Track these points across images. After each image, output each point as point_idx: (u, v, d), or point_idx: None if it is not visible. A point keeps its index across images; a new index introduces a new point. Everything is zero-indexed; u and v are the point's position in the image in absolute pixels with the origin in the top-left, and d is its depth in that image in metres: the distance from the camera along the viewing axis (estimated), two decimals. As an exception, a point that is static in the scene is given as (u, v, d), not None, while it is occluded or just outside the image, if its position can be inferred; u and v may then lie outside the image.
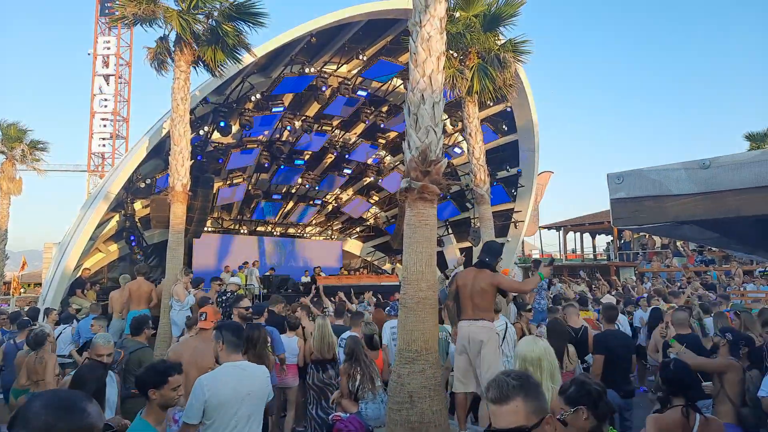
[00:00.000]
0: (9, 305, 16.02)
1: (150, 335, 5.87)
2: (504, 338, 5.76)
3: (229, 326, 3.52)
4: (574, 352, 5.43)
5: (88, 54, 33.69)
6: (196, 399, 3.07)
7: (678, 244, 24.63)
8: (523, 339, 3.87)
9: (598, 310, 8.68)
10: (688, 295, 10.78)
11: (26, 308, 11.23)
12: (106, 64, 32.95)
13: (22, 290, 21.90)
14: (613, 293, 13.44)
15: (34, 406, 1.42)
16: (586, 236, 30.20)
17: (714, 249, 21.83)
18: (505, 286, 5.44)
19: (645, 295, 11.87)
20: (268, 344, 5.24)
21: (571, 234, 29.60)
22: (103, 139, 33.21)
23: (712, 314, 7.28)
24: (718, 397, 3.99)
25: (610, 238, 27.99)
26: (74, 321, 8.73)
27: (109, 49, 32.94)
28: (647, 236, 25.82)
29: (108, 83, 33.00)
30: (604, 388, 2.62)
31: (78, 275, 13.66)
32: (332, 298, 10.54)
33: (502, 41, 12.09)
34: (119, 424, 3.64)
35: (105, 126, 33.09)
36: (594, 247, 31.02)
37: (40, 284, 20.17)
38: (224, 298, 9.36)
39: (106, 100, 32.95)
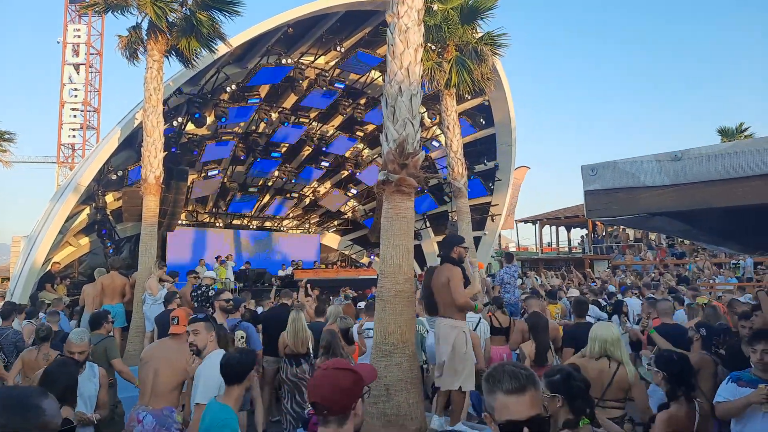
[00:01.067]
0: (-25, 300, 15.53)
1: (110, 329, 5.80)
2: (476, 331, 5.79)
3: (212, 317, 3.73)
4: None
5: (58, 42, 32.74)
6: (212, 384, 3.22)
7: (651, 237, 25.18)
8: (597, 324, 4.22)
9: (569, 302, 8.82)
10: (662, 288, 11.02)
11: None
12: (76, 53, 32.07)
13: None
14: (582, 287, 13.68)
15: None
16: (562, 230, 30.65)
17: (685, 242, 22.38)
18: (451, 285, 5.10)
19: (622, 288, 12.12)
20: (234, 342, 5.18)
21: (546, 227, 29.99)
22: (74, 129, 32.37)
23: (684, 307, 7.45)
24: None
25: (585, 231, 28.45)
26: (38, 315, 8.49)
27: (79, 37, 32.05)
28: (620, 229, 26.34)
29: (78, 72, 32.14)
30: (587, 386, 2.69)
31: (47, 269, 13.31)
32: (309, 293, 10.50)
33: (480, 34, 12.12)
34: (82, 418, 3.57)
35: (75, 116, 32.26)
36: (569, 240, 31.51)
37: (8, 279, 19.62)
38: (199, 292, 9.23)
39: (76, 89, 32.10)
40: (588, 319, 6.21)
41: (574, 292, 8.82)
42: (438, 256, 5.74)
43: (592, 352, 3.93)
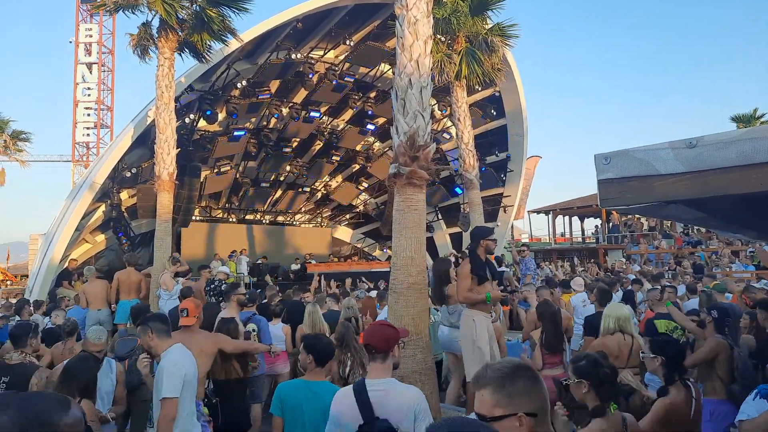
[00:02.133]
0: (-5, 298, 15.83)
1: None
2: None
3: (155, 317, 3.75)
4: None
5: (70, 42, 33.03)
6: (176, 375, 3.31)
7: (666, 225, 24.90)
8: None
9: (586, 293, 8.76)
10: (679, 278, 10.92)
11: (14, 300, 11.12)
12: (88, 52, 32.34)
13: (8, 282, 21.65)
14: (591, 276, 13.61)
15: (1, 420, 1.21)
16: (575, 220, 30.39)
17: (701, 230, 22.11)
18: (458, 279, 5.13)
19: (631, 276, 12.01)
20: (244, 335, 5.23)
21: (560, 218, 29.75)
22: (87, 128, 32.72)
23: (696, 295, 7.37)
24: (709, 376, 4.05)
25: (598, 221, 28.21)
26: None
27: (91, 36, 32.31)
28: (634, 218, 26.07)
29: (91, 72, 32.42)
30: (615, 372, 2.70)
31: (65, 266, 13.52)
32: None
33: (490, 25, 12.03)
34: (99, 417, 3.61)
35: (89, 115, 32.58)
36: (582, 230, 31.25)
37: (27, 276, 19.96)
38: (212, 286, 9.33)
39: (89, 88, 32.40)
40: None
41: (579, 281, 8.77)
42: (465, 248, 5.71)
43: (607, 328, 4.30)
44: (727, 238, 18.26)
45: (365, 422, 2.51)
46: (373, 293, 8.95)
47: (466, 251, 5.46)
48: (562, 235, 31.03)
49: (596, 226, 28.47)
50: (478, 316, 5.07)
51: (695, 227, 22.75)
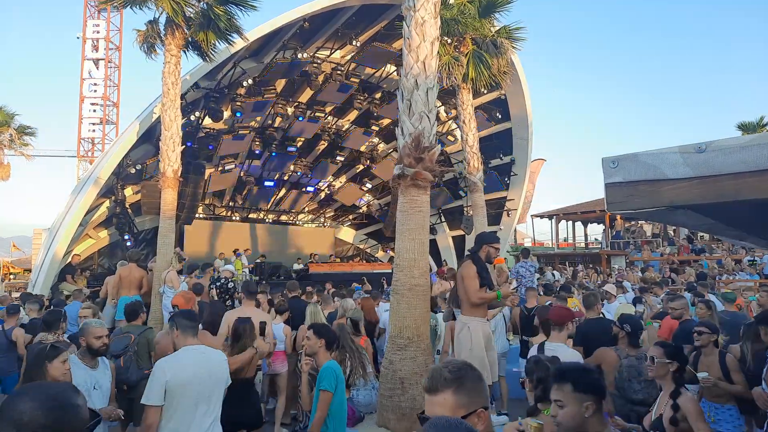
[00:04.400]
0: (-2, 291, 15.88)
1: (145, 320, 5.89)
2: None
3: (182, 313, 3.61)
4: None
5: (77, 37, 33.11)
6: (156, 381, 3.10)
7: (670, 233, 24.81)
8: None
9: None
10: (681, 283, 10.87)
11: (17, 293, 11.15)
12: (95, 48, 32.43)
13: (12, 276, 21.72)
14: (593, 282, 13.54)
15: (26, 407, 1.35)
16: (578, 225, 30.33)
17: (705, 237, 22.02)
18: (464, 283, 4.94)
19: (636, 285, 11.96)
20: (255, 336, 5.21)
21: (563, 223, 29.70)
22: (93, 124, 32.77)
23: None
24: None
25: (602, 226, 28.14)
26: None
27: (98, 32, 32.40)
28: (637, 225, 25.99)
29: (97, 67, 32.49)
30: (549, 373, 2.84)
31: (68, 261, 13.55)
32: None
33: (497, 27, 12.01)
34: (111, 414, 3.60)
35: (95, 111, 32.63)
36: (586, 235, 31.18)
37: (30, 270, 20.01)
38: (218, 284, 9.33)
39: (95, 84, 32.46)
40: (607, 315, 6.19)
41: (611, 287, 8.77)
42: (468, 250, 5.60)
43: None
44: (732, 244, 18.18)
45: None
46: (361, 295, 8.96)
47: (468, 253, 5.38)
48: (565, 240, 30.97)
49: (603, 232, 28.40)
50: (473, 323, 4.92)
51: (699, 234, 22.67)
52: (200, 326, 4.11)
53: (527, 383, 3.07)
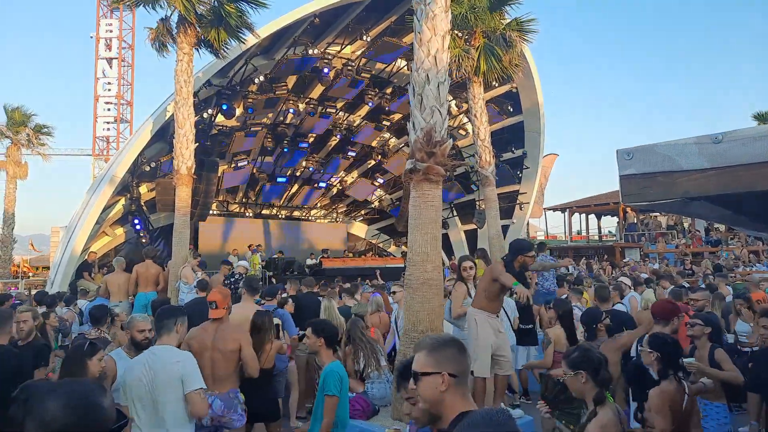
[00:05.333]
0: (18, 288, 16.17)
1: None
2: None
3: (159, 311, 3.61)
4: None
5: (91, 37, 33.43)
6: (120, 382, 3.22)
7: (685, 225, 24.52)
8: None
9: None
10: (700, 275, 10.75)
11: (35, 291, 11.34)
12: (108, 48, 32.72)
13: (30, 274, 22.09)
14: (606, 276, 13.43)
15: (50, 405, 1.36)
16: (592, 218, 30.09)
17: (720, 229, 21.73)
18: (494, 274, 5.17)
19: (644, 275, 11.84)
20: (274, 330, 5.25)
21: (576, 215, 29.48)
22: (108, 122, 33.12)
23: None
24: None
25: (615, 219, 27.89)
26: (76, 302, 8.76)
27: (111, 32, 32.69)
28: (651, 217, 25.71)
29: (111, 66, 32.80)
30: (606, 358, 2.83)
31: (85, 258, 13.74)
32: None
33: (508, 20, 11.92)
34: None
35: (109, 110, 32.97)
36: (599, 228, 30.93)
37: (48, 267, 20.33)
38: (232, 280, 9.42)
39: (109, 83, 32.77)
40: (619, 307, 6.16)
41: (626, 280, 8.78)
42: (502, 258, 5.72)
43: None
44: (749, 236, 17.93)
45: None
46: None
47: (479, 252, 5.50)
48: (579, 233, 30.74)
49: (617, 224, 28.16)
50: (480, 316, 5.08)
51: (716, 225, 22.38)
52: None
53: (579, 378, 2.78)
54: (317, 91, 17.94)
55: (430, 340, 1.86)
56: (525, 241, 5.51)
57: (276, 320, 5.33)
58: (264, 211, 22.54)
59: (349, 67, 16.37)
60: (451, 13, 6.10)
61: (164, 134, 14.45)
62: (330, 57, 16.08)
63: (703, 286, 7.33)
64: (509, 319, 6.60)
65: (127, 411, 3.59)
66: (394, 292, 6.44)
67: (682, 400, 3.20)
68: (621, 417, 2.76)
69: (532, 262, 5.28)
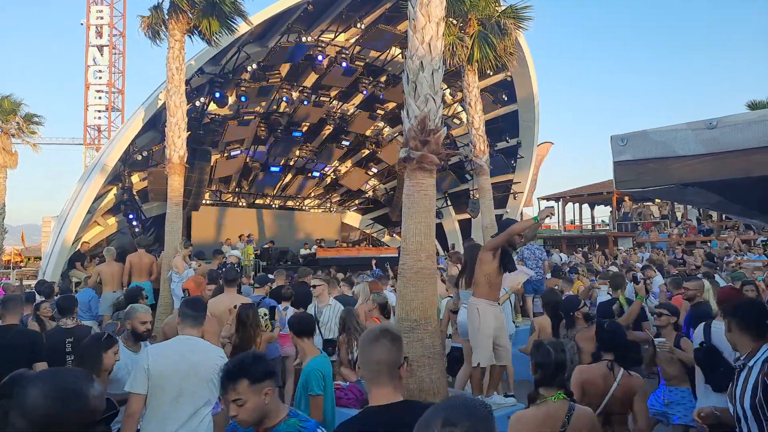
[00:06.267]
0: (10, 279, 16.08)
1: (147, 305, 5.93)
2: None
3: (188, 300, 3.58)
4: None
5: (81, 24, 33.04)
6: (139, 368, 3.03)
7: (678, 214, 24.65)
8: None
9: (593, 280, 8.75)
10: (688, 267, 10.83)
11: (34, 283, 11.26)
12: (99, 35, 32.35)
13: (22, 264, 21.96)
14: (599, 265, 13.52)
15: (33, 395, 1.33)
16: (585, 207, 30.19)
17: (713, 219, 21.87)
18: (491, 244, 5.09)
19: (638, 264, 11.92)
20: (263, 322, 5.24)
21: (569, 205, 29.57)
22: (99, 111, 32.83)
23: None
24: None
25: (609, 208, 28.00)
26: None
27: (102, 18, 32.29)
28: (644, 206, 25.83)
29: (102, 54, 32.44)
30: (562, 365, 2.70)
31: (77, 249, 13.66)
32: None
33: (503, 8, 11.85)
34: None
35: (100, 98, 32.68)
36: (593, 217, 31.04)
37: (40, 258, 20.20)
38: (224, 270, 9.39)
39: (100, 71, 32.44)
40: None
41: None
42: (492, 236, 5.61)
43: None
44: (741, 225, 18.05)
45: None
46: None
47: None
48: (572, 222, 30.86)
49: (610, 213, 28.28)
50: (482, 305, 4.95)
51: (707, 214, 22.52)
52: None
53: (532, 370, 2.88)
54: (311, 79, 17.81)
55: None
56: (514, 220, 5.48)
57: (263, 310, 5.32)
58: (257, 201, 22.46)
59: (343, 55, 16.25)
60: (446, -1, 6.04)
61: (156, 123, 14.32)
62: (324, 44, 15.95)
63: (699, 276, 7.36)
64: (512, 308, 6.63)
65: (121, 401, 3.58)
66: (314, 286, 6.20)
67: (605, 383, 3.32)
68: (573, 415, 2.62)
69: (519, 241, 5.17)
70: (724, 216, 19.25)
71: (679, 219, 24.13)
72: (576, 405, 2.66)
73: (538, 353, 2.68)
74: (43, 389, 1.35)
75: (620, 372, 3.28)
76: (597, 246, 20.62)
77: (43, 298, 7.14)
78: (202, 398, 3.12)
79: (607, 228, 27.14)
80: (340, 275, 10.76)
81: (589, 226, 30.12)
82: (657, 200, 23.52)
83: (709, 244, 18.31)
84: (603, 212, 30.94)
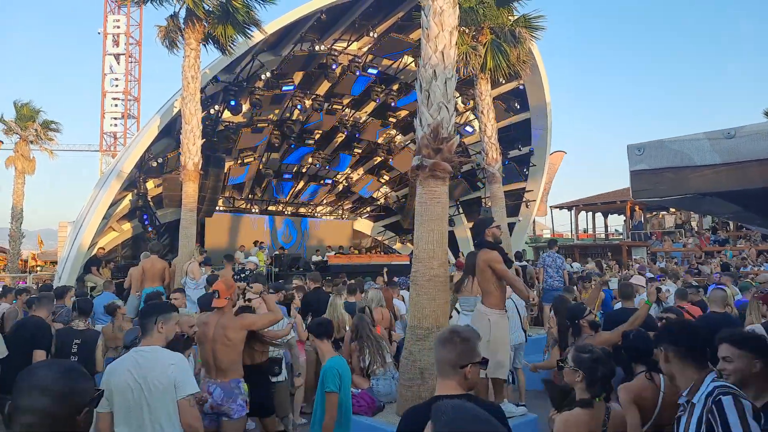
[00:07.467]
0: (27, 282, 16.30)
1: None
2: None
3: (141, 311, 3.56)
4: None
5: (98, 33, 33.61)
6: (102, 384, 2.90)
7: (693, 223, 24.38)
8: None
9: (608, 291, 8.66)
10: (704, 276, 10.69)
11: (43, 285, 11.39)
12: (116, 43, 32.87)
13: (38, 268, 22.26)
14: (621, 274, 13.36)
15: (49, 375, 1.44)
16: (599, 216, 29.96)
17: (729, 228, 21.59)
18: (497, 270, 4.89)
19: (658, 276, 11.78)
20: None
21: (582, 214, 29.36)
22: (115, 118, 33.30)
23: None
24: None
25: (622, 217, 27.76)
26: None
27: (119, 27, 32.83)
28: (659, 216, 25.57)
29: (118, 62, 32.95)
30: (613, 373, 2.80)
31: (93, 254, 13.82)
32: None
33: (516, 17, 11.87)
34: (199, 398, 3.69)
35: (116, 105, 33.15)
36: (606, 226, 30.79)
37: (56, 262, 20.47)
38: (242, 276, 9.45)
39: (117, 79, 32.94)
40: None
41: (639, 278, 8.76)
42: (474, 244, 5.53)
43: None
44: (756, 235, 17.80)
45: None
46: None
47: (478, 243, 5.27)
48: (585, 231, 30.63)
49: (624, 222, 28.02)
50: (494, 316, 4.88)
51: (723, 223, 22.23)
52: None
53: (575, 375, 2.78)
54: (324, 87, 17.93)
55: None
56: (486, 217, 5.51)
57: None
58: (270, 208, 22.57)
59: (356, 64, 16.35)
60: (459, 7, 6.08)
61: (171, 130, 14.49)
62: (336, 53, 16.06)
63: (723, 287, 7.26)
64: (520, 317, 6.57)
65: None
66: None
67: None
68: (611, 416, 2.74)
69: (500, 233, 5.27)
70: (741, 226, 19.01)
71: (694, 228, 23.86)
72: (612, 405, 2.80)
73: (595, 365, 2.70)
74: (50, 369, 1.48)
75: (662, 379, 3.18)
76: (610, 255, 20.42)
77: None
78: (165, 410, 2.90)
79: (621, 237, 26.88)
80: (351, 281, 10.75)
81: (603, 235, 29.87)
82: (672, 209, 23.28)
83: (724, 254, 18.06)
84: (616, 221, 30.71)
